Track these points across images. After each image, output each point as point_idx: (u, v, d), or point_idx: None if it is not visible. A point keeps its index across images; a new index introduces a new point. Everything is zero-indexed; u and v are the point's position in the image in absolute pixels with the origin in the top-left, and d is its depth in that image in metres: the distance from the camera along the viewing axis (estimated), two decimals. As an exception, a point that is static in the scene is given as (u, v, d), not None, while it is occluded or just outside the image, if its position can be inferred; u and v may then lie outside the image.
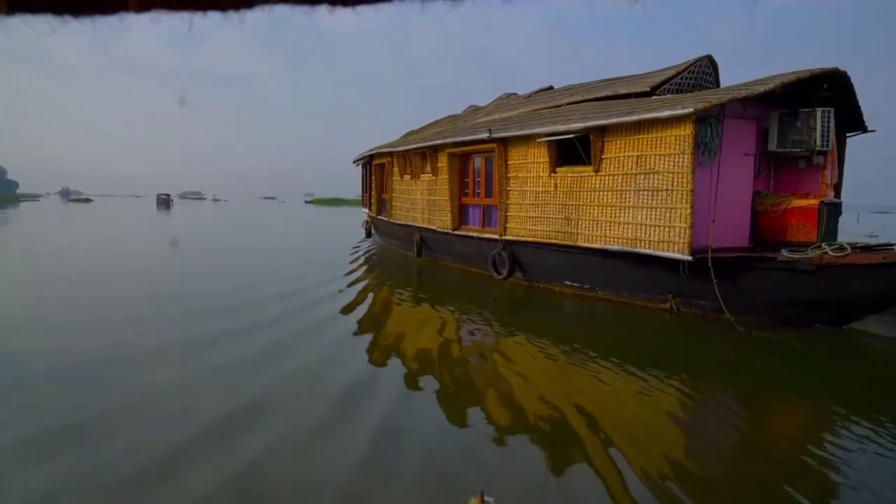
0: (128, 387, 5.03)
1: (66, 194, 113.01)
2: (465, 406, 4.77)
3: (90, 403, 4.60)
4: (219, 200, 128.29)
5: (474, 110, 16.22)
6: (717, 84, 10.24)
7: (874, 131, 9.22)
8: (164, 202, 73.14)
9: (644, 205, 8.39)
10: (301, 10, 0.70)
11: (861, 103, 8.80)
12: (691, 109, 7.61)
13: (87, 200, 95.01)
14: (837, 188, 9.47)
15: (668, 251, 8.04)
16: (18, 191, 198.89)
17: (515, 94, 15.00)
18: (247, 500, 3.23)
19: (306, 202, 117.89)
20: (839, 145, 9.38)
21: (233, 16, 0.69)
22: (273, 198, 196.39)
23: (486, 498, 2.65)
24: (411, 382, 5.35)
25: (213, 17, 0.69)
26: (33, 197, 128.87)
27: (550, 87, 13.80)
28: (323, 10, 0.69)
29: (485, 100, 14.78)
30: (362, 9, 0.70)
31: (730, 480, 3.72)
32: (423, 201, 14.13)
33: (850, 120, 9.16)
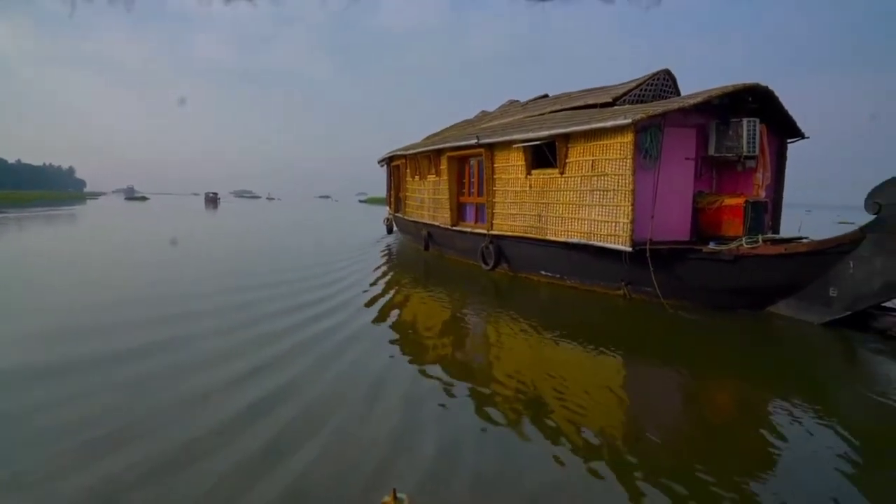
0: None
1: (130, 192, 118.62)
2: (451, 371, 5.83)
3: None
4: (273, 199, 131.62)
5: (483, 115, 17.60)
6: (678, 93, 11.35)
7: (808, 138, 10.23)
8: (212, 200, 76.73)
9: (597, 203, 9.63)
10: None
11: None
12: (630, 120, 8.84)
13: (143, 199, 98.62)
14: (778, 188, 10.51)
15: (614, 243, 9.28)
16: (86, 189, 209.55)
17: (517, 101, 16.30)
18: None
19: (360, 201, 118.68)
20: (779, 150, 10.42)
21: None
22: (328, 196, 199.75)
23: (399, 495, 2.74)
24: (407, 348, 6.72)
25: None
26: (96, 195, 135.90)
27: (546, 95, 15.06)
28: None
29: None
30: None
31: (656, 434, 4.45)
32: (430, 200, 15.63)
33: (788, 128, 10.20)
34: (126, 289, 10.33)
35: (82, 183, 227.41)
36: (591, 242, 9.74)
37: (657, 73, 11.18)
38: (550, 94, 15.06)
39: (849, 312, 7.66)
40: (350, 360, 6.09)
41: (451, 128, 19.06)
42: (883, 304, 7.69)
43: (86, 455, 3.75)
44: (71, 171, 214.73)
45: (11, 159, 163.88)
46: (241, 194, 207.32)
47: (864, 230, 7.42)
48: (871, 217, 7.31)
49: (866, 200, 7.31)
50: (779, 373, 6.36)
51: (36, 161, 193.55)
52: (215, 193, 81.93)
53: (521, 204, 11.51)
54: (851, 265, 7.55)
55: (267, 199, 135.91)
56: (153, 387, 5.10)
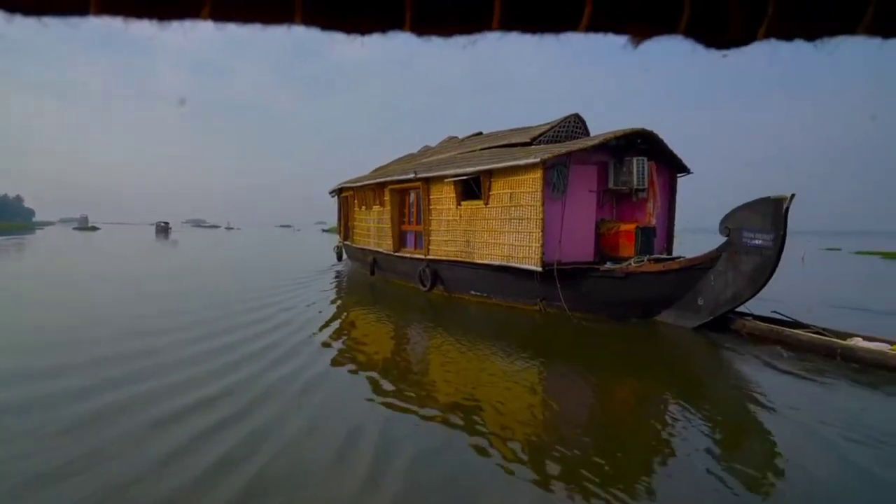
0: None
1: (83, 222, 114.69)
2: (390, 380, 6.78)
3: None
4: (232, 228, 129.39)
5: (426, 150, 19.12)
6: (587, 133, 13.03)
7: (692, 173, 12.02)
8: (163, 230, 75.83)
9: (514, 230, 11.12)
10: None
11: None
12: (539, 159, 10.39)
13: (94, 229, 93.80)
14: (670, 216, 12.22)
15: (528, 264, 10.75)
16: (35, 219, 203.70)
17: (456, 137, 17.88)
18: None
19: (323, 231, 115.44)
20: (670, 184, 12.16)
21: (211, 25, 0.68)
22: (289, 226, 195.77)
23: None
24: (349, 359, 7.85)
25: (203, 27, 0.67)
26: (42, 225, 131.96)
27: (480, 133, 16.66)
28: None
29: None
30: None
31: (565, 427, 5.47)
32: (375, 228, 17.00)
33: (677, 165, 11.96)
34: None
35: (31, 212, 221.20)
36: (510, 264, 11.20)
37: (568, 116, 12.85)
38: (484, 132, 16.67)
39: (712, 318, 9.27)
40: (297, 366, 7.21)
41: (397, 161, 20.52)
42: (736, 310, 9.30)
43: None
44: (19, 199, 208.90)
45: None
46: (198, 223, 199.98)
47: (719, 250, 9.07)
48: (724, 239, 8.97)
49: (720, 225, 8.97)
50: (660, 370, 7.76)
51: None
52: (166, 223, 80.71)
53: (452, 231, 12.96)
54: (712, 278, 9.18)
55: (226, 228, 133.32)
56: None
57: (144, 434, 4.74)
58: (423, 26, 0.70)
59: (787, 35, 0.72)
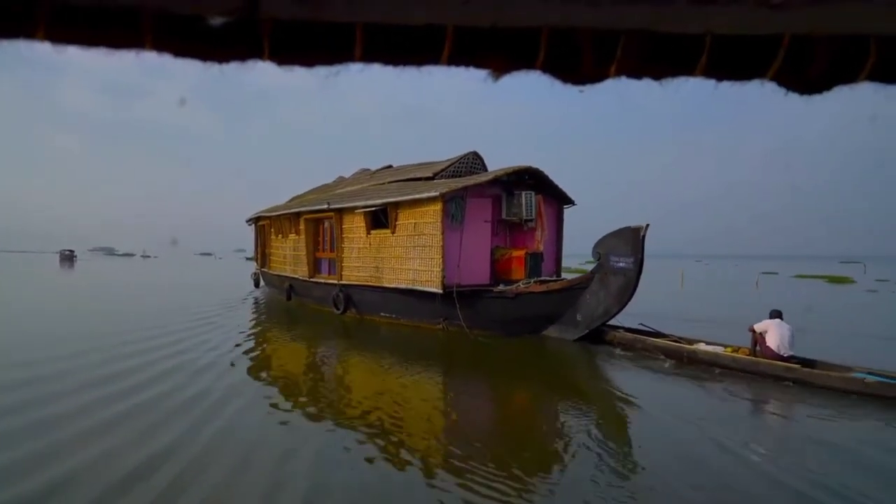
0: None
1: None
2: (303, 395, 7.36)
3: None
4: (148, 257, 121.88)
5: (340, 180, 20.04)
6: (485, 169, 14.40)
7: (576, 204, 13.59)
8: (68, 258, 72.23)
9: (418, 256, 12.22)
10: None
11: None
12: (438, 193, 11.58)
13: None
14: (559, 243, 13.72)
15: (430, 287, 11.85)
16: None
17: (368, 169, 18.92)
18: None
19: (246, 259, 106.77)
20: (557, 214, 13.67)
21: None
22: (210, 254, 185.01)
23: None
24: (264, 378, 8.48)
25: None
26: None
27: (390, 166, 17.78)
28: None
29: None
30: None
31: (468, 430, 6.34)
32: (291, 255, 17.75)
33: (563, 197, 13.48)
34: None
35: None
36: (414, 287, 12.28)
37: (467, 154, 14.20)
38: (395, 165, 17.82)
39: (588, 331, 10.66)
40: (208, 384, 7.79)
41: (312, 191, 21.30)
42: (608, 323, 10.74)
43: None
44: None
45: None
46: (110, 251, 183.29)
47: (593, 272, 10.50)
48: (596, 262, 10.41)
49: (592, 250, 10.41)
50: (546, 376, 9.13)
51: None
52: (71, 251, 76.57)
53: (363, 258, 13.94)
54: (588, 297, 10.60)
55: (142, 256, 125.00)
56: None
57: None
58: (282, 56, 0.70)
59: (635, 74, 0.75)
